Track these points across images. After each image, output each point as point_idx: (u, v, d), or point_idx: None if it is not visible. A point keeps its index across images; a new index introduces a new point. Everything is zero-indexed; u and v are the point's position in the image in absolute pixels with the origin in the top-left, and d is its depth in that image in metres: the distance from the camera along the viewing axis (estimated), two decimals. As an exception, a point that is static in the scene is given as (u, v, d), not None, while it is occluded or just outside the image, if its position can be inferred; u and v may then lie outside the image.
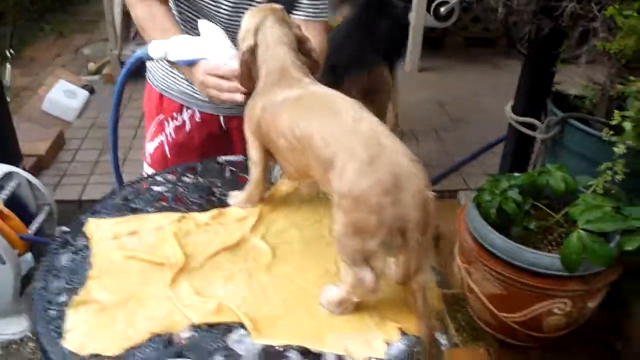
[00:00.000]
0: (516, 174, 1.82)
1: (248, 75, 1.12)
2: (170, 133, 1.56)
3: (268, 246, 1.08)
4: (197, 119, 1.54)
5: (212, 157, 1.40)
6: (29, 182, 2.15)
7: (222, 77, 1.20)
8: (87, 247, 1.08)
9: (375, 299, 0.93)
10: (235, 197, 1.20)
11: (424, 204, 0.84)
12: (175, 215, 1.16)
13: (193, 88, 1.46)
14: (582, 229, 1.49)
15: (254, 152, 1.12)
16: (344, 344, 0.88)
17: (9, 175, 2.11)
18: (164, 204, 1.22)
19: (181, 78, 1.48)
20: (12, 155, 2.44)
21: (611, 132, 1.64)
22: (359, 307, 0.94)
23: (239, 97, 1.19)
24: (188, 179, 1.32)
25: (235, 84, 1.17)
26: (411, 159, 0.87)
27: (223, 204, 1.21)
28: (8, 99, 2.59)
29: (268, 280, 1.01)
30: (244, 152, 1.19)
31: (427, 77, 4.10)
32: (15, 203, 2.11)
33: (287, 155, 1.04)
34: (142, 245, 1.08)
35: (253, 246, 1.09)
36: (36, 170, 2.77)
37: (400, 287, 0.92)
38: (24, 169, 2.48)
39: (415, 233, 0.84)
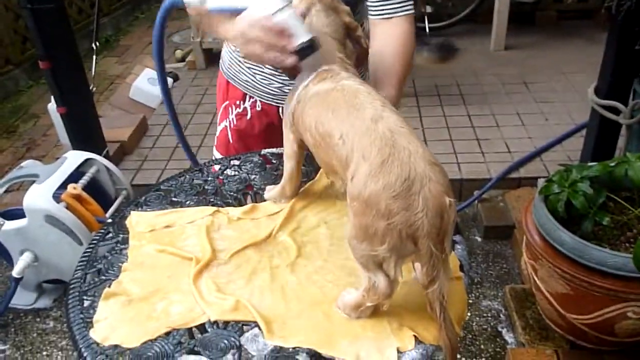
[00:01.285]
0: (590, 164, 1.67)
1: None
2: (232, 119, 1.59)
3: (294, 244, 1.07)
4: (258, 108, 1.55)
5: (256, 150, 1.41)
6: (107, 168, 2.29)
7: (269, 31, 1.00)
8: (125, 240, 1.12)
9: (394, 304, 0.89)
10: (269, 191, 1.20)
11: (439, 210, 0.79)
12: (210, 209, 1.18)
13: (255, 77, 1.48)
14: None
15: (287, 145, 1.11)
16: (356, 351, 0.85)
17: (88, 162, 2.26)
18: (203, 197, 1.24)
19: (245, 67, 1.49)
20: (96, 142, 2.60)
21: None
22: (376, 312, 0.90)
23: (289, 59, 1.00)
24: (230, 171, 1.33)
25: (285, 44, 0.99)
26: (429, 162, 0.81)
27: (258, 198, 1.21)
28: (94, 89, 2.76)
29: (290, 280, 1.00)
30: None
31: (513, 56, 3.86)
32: (95, 188, 2.26)
33: (314, 151, 1.02)
34: (174, 239, 1.11)
35: (280, 243, 1.08)
36: (119, 155, 2.95)
37: (421, 292, 0.87)
38: (107, 155, 2.65)
39: (428, 241, 0.78)
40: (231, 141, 1.61)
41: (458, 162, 2.74)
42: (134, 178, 2.78)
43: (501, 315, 2.04)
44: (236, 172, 1.32)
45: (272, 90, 1.49)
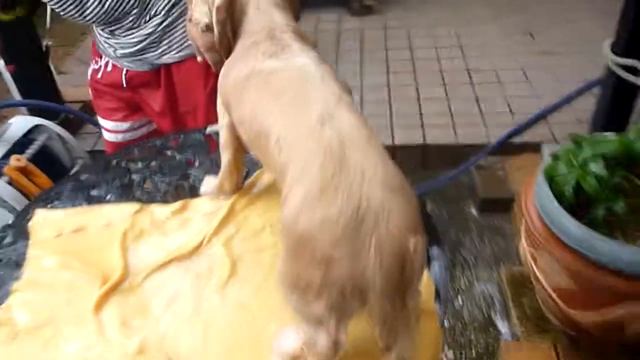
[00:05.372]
0: (604, 135, 1.42)
1: (226, 37, 0.84)
2: (89, 75, 1.47)
3: (228, 258, 0.85)
4: (109, 69, 1.40)
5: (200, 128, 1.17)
6: (59, 135, 2.05)
7: None
8: (24, 248, 0.90)
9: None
10: (207, 184, 0.96)
11: (399, 258, 0.56)
12: (133, 206, 0.96)
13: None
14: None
15: (223, 132, 0.87)
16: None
17: (38, 129, 2.02)
18: (128, 190, 1.01)
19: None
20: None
21: None
22: None
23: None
24: (168, 151, 1.09)
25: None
26: (390, 188, 0.58)
27: (194, 192, 0.98)
28: (49, 43, 2.48)
29: (217, 306, 0.78)
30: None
31: (517, 2, 3.51)
32: (46, 158, 2.03)
33: (251, 151, 0.79)
34: (83, 248, 0.90)
35: (210, 256, 0.86)
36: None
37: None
38: (65, 119, 2.41)
39: (382, 299, 0.55)
40: (92, 99, 1.50)
41: (454, 124, 2.48)
42: (97, 143, 2.54)
43: (495, 302, 1.84)
44: (173, 155, 1.09)
45: (107, 49, 1.35)
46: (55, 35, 2.92)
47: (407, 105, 2.63)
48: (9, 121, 1.99)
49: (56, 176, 1.98)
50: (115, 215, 0.94)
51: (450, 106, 2.61)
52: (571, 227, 1.35)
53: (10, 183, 1.83)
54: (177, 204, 0.95)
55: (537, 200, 1.48)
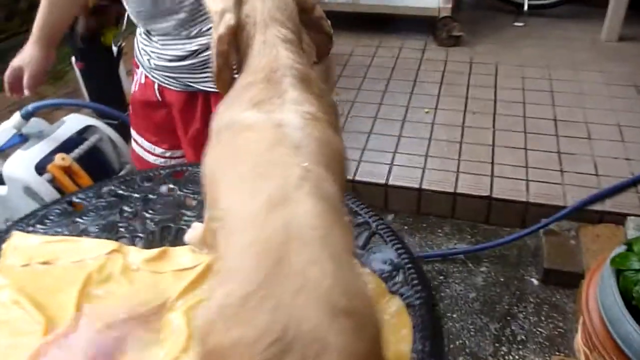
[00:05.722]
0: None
1: (228, 71, 0.72)
2: (135, 85, 1.36)
3: (187, 328, 0.72)
4: (142, 81, 1.31)
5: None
6: (111, 138, 2.04)
7: None
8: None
9: None
10: (193, 232, 0.85)
11: None
12: (110, 245, 0.86)
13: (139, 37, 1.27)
14: None
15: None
16: None
17: (91, 129, 2.02)
18: (114, 223, 0.92)
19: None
20: (115, 105, 2.36)
21: None
22: None
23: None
24: (170, 184, 1.00)
25: None
26: (334, 309, 0.42)
27: (180, 237, 0.87)
28: (123, 44, 2.51)
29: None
30: None
31: (627, 50, 3.17)
32: (95, 160, 2.02)
33: None
34: (43, 285, 0.81)
35: (169, 323, 0.74)
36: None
37: None
38: (121, 121, 2.41)
39: None
40: (131, 113, 1.42)
41: (527, 179, 2.23)
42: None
43: (540, 396, 1.60)
44: (171, 190, 0.99)
45: (145, 60, 1.27)
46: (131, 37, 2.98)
47: (479, 150, 2.41)
48: (63, 119, 2.00)
49: (101, 179, 1.96)
50: (88, 252, 0.85)
51: (527, 158, 2.36)
52: (636, 336, 1.12)
53: (51, 181, 1.83)
54: (154, 252, 0.84)
55: (600, 295, 1.25)
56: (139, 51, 1.28)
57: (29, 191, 1.79)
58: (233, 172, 0.55)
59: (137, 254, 0.84)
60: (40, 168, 1.82)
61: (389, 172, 2.30)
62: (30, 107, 1.87)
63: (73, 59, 2.43)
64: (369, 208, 0.89)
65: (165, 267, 0.82)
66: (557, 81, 2.91)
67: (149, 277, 0.81)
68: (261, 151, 0.55)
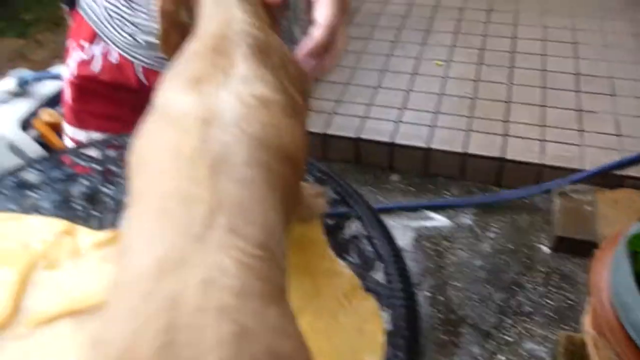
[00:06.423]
0: None
1: (175, 34, 0.61)
2: (73, 68, 1.05)
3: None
4: (113, 60, 1.03)
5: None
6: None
7: None
8: None
9: None
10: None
11: None
12: (61, 225, 0.78)
13: (109, 11, 0.97)
14: None
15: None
16: None
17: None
18: (70, 200, 0.83)
19: None
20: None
21: None
22: None
23: None
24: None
25: None
26: None
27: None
28: None
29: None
30: None
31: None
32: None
33: None
34: (-17, 271, 0.72)
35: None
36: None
37: None
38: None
39: None
40: (70, 101, 1.09)
41: (544, 139, 2.09)
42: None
43: (544, 370, 1.53)
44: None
45: (122, 36, 0.98)
46: None
47: (492, 107, 2.26)
48: (50, 69, 1.90)
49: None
50: (37, 232, 0.77)
51: (544, 116, 2.21)
52: (649, 325, 1.02)
53: (38, 139, 1.75)
54: (105, 234, 0.75)
55: (611, 276, 1.15)
56: (108, 23, 1.00)
57: (14, 149, 1.72)
58: (144, 195, 0.44)
59: (87, 236, 0.75)
60: (26, 124, 1.75)
61: (396, 130, 2.17)
62: (29, 76, 1.79)
63: (64, 6, 2.29)
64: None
65: (114, 251, 0.73)
66: (581, 31, 2.71)
67: (96, 263, 0.73)
68: (174, 171, 0.43)
